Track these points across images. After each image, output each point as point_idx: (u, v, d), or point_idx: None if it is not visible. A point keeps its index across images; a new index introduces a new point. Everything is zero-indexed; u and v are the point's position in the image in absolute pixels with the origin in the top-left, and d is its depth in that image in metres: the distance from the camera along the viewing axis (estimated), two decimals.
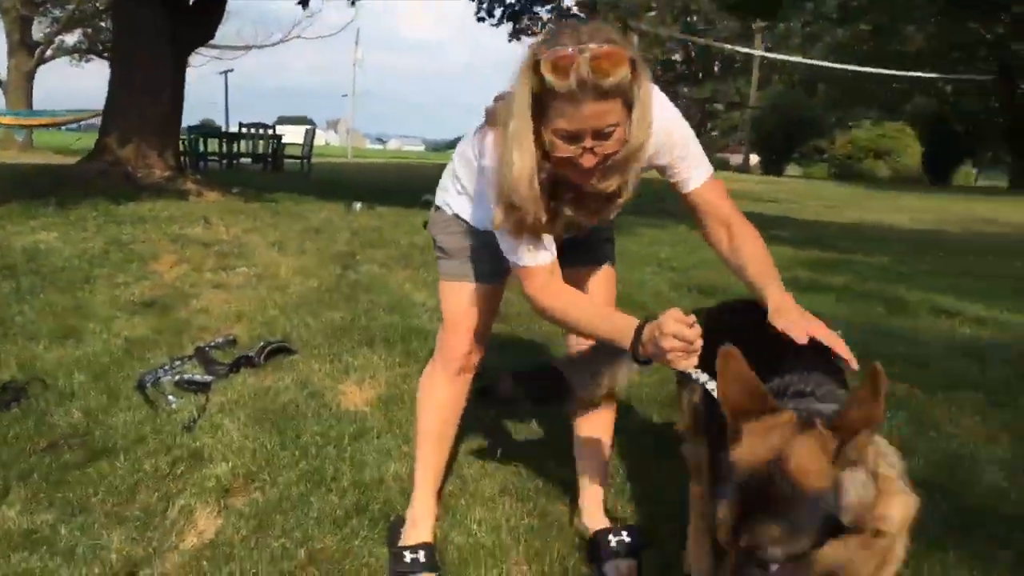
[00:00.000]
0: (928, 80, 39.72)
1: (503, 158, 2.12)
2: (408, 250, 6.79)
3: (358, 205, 10.10)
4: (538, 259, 2.27)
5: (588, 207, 2.28)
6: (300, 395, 3.73)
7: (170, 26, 10.53)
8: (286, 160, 20.55)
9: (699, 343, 1.91)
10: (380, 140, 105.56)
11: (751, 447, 1.33)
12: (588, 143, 1.99)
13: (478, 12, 16.85)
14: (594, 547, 2.65)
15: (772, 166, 43.68)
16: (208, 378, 3.82)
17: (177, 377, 3.85)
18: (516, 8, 16.71)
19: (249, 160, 19.94)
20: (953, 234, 12.70)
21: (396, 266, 6.24)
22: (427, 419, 2.74)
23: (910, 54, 40.87)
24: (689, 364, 1.92)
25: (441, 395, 2.70)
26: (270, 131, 20.54)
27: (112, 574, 2.54)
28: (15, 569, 2.55)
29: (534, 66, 1.98)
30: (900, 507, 1.33)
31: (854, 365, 1.81)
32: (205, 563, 2.60)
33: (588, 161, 2.02)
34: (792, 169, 46.29)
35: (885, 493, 1.31)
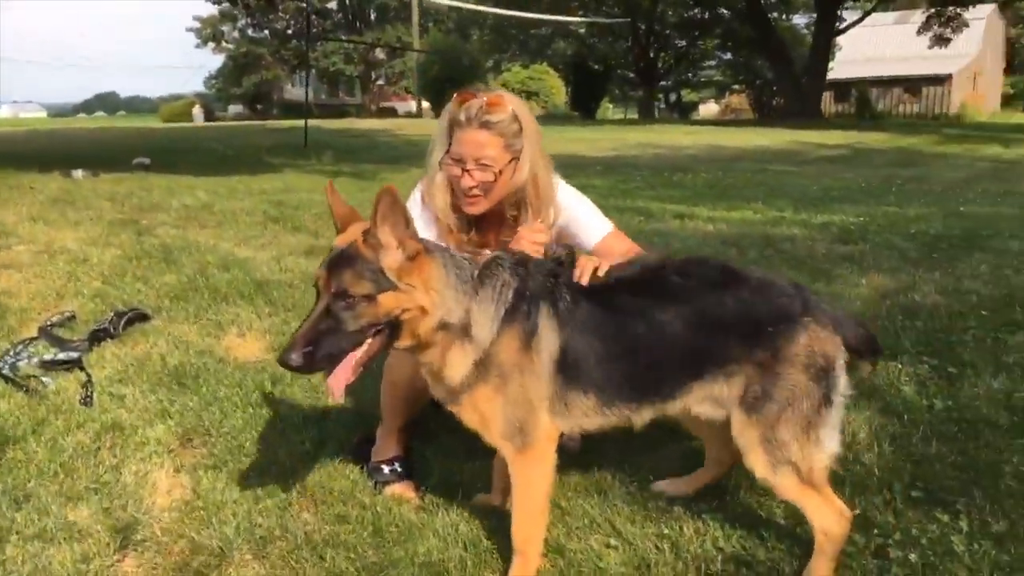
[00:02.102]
0: (565, 24, 43.84)
1: (428, 172, 2.75)
2: (187, 212, 6.51)
3: (79, 173, 9.18)
4: None
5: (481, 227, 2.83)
6: (189, 356, 3.67)
7: None
8: None
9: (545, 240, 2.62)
10: None
11: (346, 237, 2.10)
12: (469, 166, 2.62)
13: None
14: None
15: (440, 110, 45.37)
16: (74, 355, 3.60)
17: (36, 359, 3.57)
18: None
19: None
20: (633, 157, 14.65)
21: (190, 227, 6.00)
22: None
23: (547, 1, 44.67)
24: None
25: None
26: None
27: (106, 544, 2.51)
28: None
29: (452, 101, 2.66)
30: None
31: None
32: (203, 513, 2.66)
33: (467, 181, 2.65)
34: None
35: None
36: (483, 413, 2.21)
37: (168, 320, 4.07)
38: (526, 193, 2.68)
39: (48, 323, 3.90)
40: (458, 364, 2.17)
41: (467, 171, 2.60)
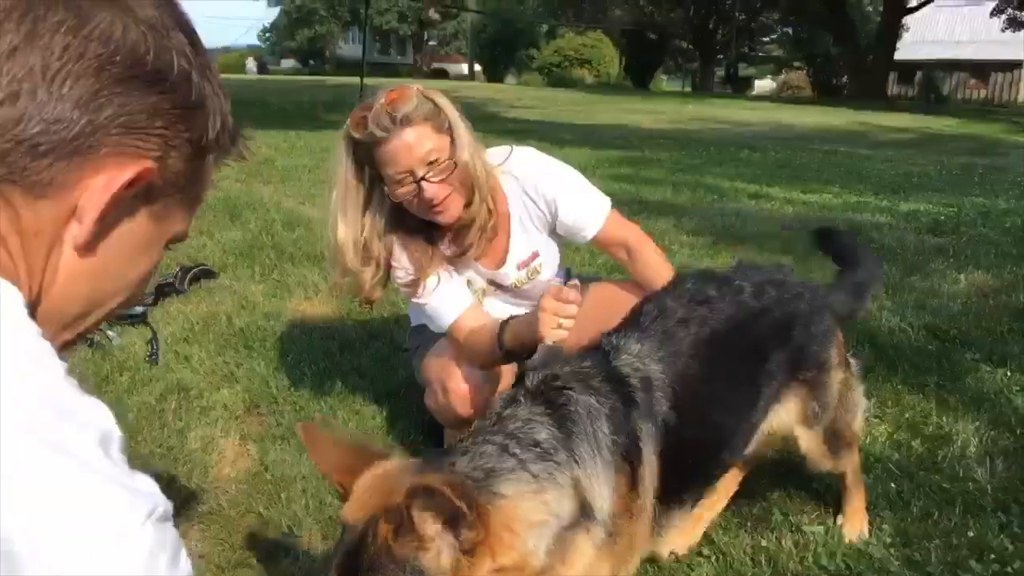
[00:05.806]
0: None
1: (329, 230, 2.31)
2: (249, 166, 6.24)
3: None
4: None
5: (463, 238, 2.39)
6: (255, 318, 3.55)
7: None
8: None
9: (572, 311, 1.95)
10: None
11: (356, 512, 1.31)
12: (420, 172, 2.15)
13: None
14: None
15: (494, 74, 44.84)
16: (139, 309, 3.48)
17: None
18: None
19: None
20: (695, 131, 14.27)
21: (252, 181, 5.90)
22: None
23: None
24: (557, 335, 1.95)
25: None
26: None
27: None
28: None
29: (346, 136, 2.21)
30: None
31: None
32: (270, 487, 2.52)
33: (429, 191, 2.17)
34: (509, 77, 47.58)
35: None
36: None
37: (234, 278, 3.95)
38: (474, 173, 2.26)
39: None
40: (586, 560, 1.48)
41: (422, 180, 2.16)
